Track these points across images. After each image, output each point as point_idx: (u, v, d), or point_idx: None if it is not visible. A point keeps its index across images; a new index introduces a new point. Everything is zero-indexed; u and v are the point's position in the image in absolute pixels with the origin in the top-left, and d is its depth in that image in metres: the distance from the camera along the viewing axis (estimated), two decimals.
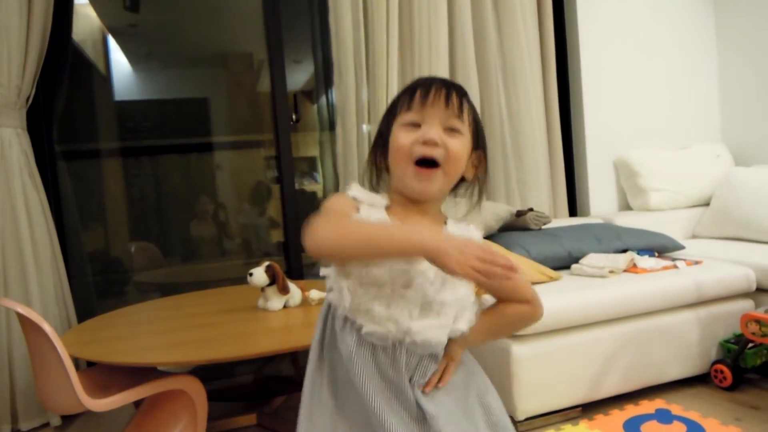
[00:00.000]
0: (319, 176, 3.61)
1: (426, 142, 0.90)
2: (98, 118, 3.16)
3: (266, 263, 1.89)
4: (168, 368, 1.72)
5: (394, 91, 2.57)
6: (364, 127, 2.65)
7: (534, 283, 2.07)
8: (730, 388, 2.10)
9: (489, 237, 2.49)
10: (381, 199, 0.95)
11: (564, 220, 2.89)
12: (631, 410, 2.00)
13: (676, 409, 1.98)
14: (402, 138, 0.92)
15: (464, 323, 0.93)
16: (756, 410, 1.96)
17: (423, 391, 0.92)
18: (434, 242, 0.76)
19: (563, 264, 2.35)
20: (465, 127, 0.94)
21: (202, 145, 3.39)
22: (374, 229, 0.83)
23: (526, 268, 2.02)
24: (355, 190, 0.96)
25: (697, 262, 2.31)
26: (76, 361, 2.08)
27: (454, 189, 1.01)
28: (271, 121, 2.86)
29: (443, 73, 2.68)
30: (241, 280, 1.97)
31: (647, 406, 2.02)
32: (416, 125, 0.92)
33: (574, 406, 2.00)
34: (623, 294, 2.05)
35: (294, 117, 3.08)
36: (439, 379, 0.94)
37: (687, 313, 2.15)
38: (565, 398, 1.98)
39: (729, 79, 3.31)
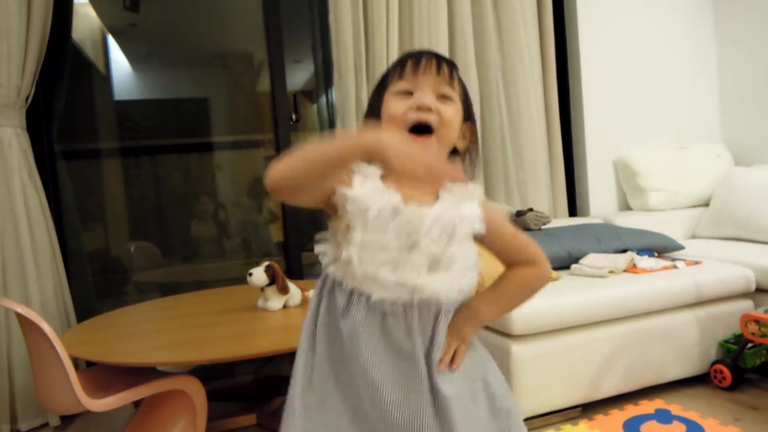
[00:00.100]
0: None
1: (420, 108, 0.91)
2: (98, 118, 3.16)
3: (266, 263, 1.89)
4: (167, 368, 1.72)
5: None
6: None
7: None
8: (730, 389, 2.10)
9: None
10: (375, 170, 0.93)
11: (564, 220, 2.89)
12: (631, 410, 2.00)
13: (675, 409, 1.98)
14: (395, 106, 0.92)
15: (469, 280, 0.93)
16: (755, 410, 1.96)
17: (438, 367, 0.91)
18: (375, 138, 0.78)
19: (563, 264, 2.35)
20: (456, 95, 0.95)
21: (202, 145, 3.39)
22: (321, 144, 0.83)
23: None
24: None
25: (696, 263, 2.31)
26: (76, 361, 2.08)
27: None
28: (271, 121, 2.86)
29: None
30: (241, 280, 1.97)
31: (647, 406, 2.02)
32: (408, 93, 0.93)
33: (573, 406, 2.00)
34: (623, 294, 2.05)
35: (294, 117, 3.08)
36: (452, 361, 0.93)
37: (687, 313, 2.15)
38: (564, 398, 1.98)
39: (729, 79, 3.31)
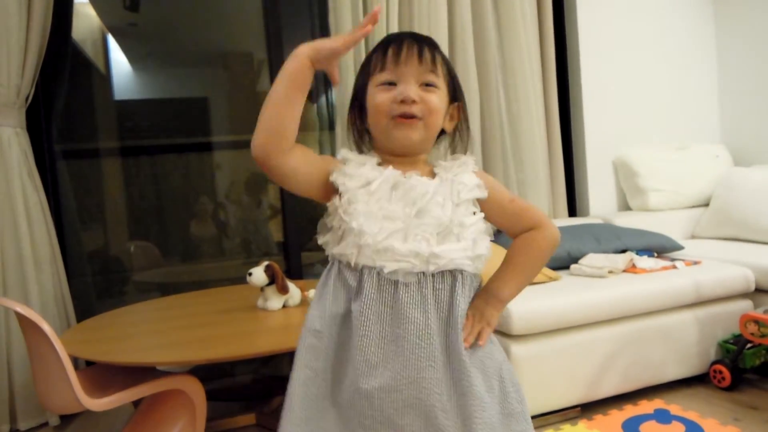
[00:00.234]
0: None
1: (404, 101, 0.91)
2: (98, 118, 3.16)
3: (265, 263, 1.89)
4: (167, 368, 1.72)
5: None
6: None
7: (533, 284, 2.07)
8: (729, 389, 2.10)
9: None
10: (371, 158, 0.95)
11: (563, 221, 2.89)
12: (630, 410, 2.00)
13: (674, 409, 1.98)
14: (379, 98, 0.92)
15: (483, 248, 0.92)
16: (755, 410, 1.96)
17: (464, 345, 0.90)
18: (300, 49, 0.87)
19: (562, 264, 2.35)
20: (440, 81, 0.95)
21: (202, 144, 3.39)
22: (273, 85, 0.87)
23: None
24: (344, 152, 0.96)
25: (696, 263, 2.31)
26: (75, 361, 2.09)
27: (436, 143, 1.02)
28: None
29: None
30: (241, 279, 1.97)
31: (646, 406, 2.02)
32: (392, 84, 0.92)
33: (572, 406, 2.01)
34: (622, 294, 2.05)
35: None
36: (478, 337, 0.92)
37: (686, 313, 2.15)
38: (563, 398, 1.98)
39: (728, 80, 3.31)
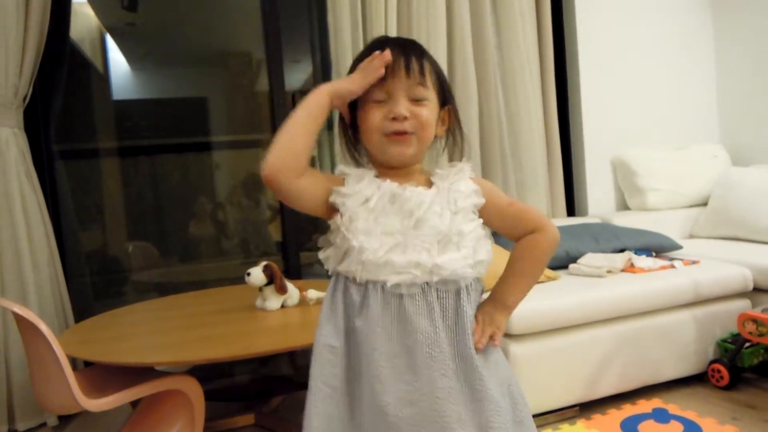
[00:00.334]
0: None
1: (395, 118, 0.91)
2: (96, 118, 3.16)
3: (264, 263, 1.89)
4: (165, 368, 1.72)
5: None
6: None
7: None
8: (727, 388, 2.11)
9: None
10: (368, 171, 0.96)
11: (562, 220, 2.89)
12: (629, 410, 2.00)
13: (673, 408, 1.99)
14: (371, 117, 0.93)
15: (484, 253, 0.93)
16: (753, 409, 1.97)
17: (476, 348, 0.91)
18: (322, 87, 0.93)
19: (561, 264, 2.35)
20: (430, 92, 0.95)
21: (201, 144, 3.38)
22: (292, 115, 0.91)
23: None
24: (342, 168, 0.97)
25: (694, 262, 2.32)
26: (74, 361, 2.08)
27: (429, 147, 1.02)
28: (270, 120, 2.85)
29: None
30: (239, 279, 1.97)
31: (644, 406, 2.02)
32: (382, 101, 0.93)
33: (571, 406, 2.01)
34: (621, 294, 2.05)
35: None
36: (491, 340, 0.93)
37: (684, 312, 2.15)
38: (562, 398, 1.98)
39: (726, 80, 3.32)
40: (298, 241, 2.85)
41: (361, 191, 0.92)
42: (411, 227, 0.89)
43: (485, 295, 1.01)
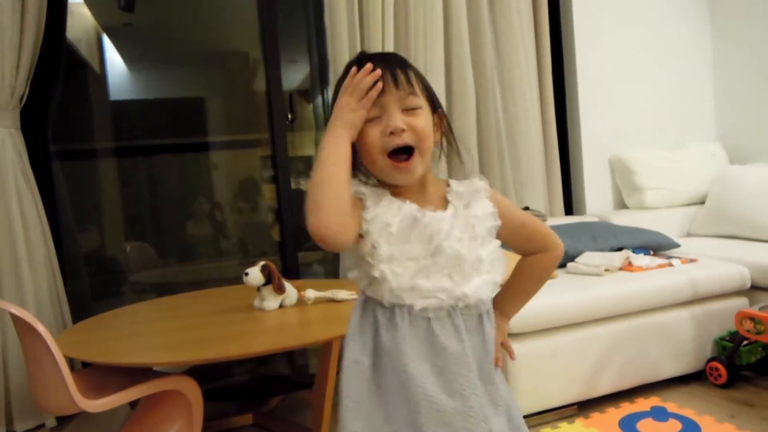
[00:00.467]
0: None
1: (393, 132, 0.90)
2: (93, 118, 3.15)
3: (262, 263, 1.89)
4: (163, 368, 1.71)
5: None
6: None
7: None
8: (725, 386, 2.11)
9: None
10: (382, 190, 0.95)
11: (560, 219, 2.90)
12: (627, 408, 2.00)
13: (671, 406, 1.99)
14: (369, 136, 0.91)
15: (500, 274, 0.96)
16: (751, 407, 1.97)
17: (496, 366, 0.95)
18: (330, 123, 0.89)
19: (559, 262, 2.35)
20: (421, 99, 0.94)
21: (198, 144, 3.38)
22: (317, 165, 0.87)
23: (513, 263, 2.06)
24: (357, 187, 0.95)
25: (692, 260, 2.32)
26: (72, 362, 2.08)
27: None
28: (267, 120, 2.85)
29: (438, 71, 2.68)
30: (237, 279, 1.97)
31: (643, 404, 2.02)
32: (376, 117, 0.91)
33: (569, 404, 2.01)
34: (619, 292, 2.05)
35: (290, 116, 3.07)
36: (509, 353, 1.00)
37: (682, 310, 2.15)
38: (560, 396, 1.98)
39: (724, 78, 3.32)
40: (296, 241, 2.85)
41: (382, 216, 0.90)
42: (431, 252, 0.90)
43: None
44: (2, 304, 1.51)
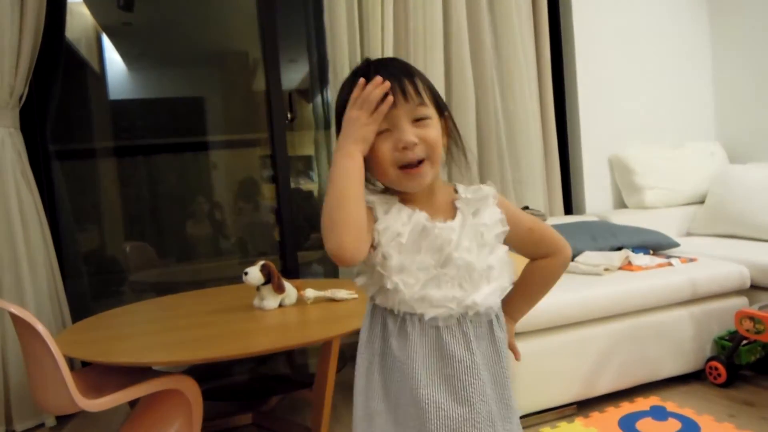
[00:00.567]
0: (314, 175, 3.61)
1: (405, 147, 0.89)
2: (92, 118, 3.15)
3: (261, 262, 1.89)
4: (163, 368, 1.71)
5: None
6: None
7: None
8: (725, 385, 2.11)
9: None
10: (392, 197, 0.94)
11: (559, 218, 2.90)
12: (627, 407, 2.00)
13: (671, 406, 1.99)
14: (380, 150, 0.89)
15: (509, 278, 0.96)
16: (750, 407, 1.97)
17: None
18: (341, 139, 0.88)
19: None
20: (430, 109, 0.92)
21: (198, 144, 3.38)
22: (329, 188, 0.86)
23: (521, 265, 2.05)
24: (367, 195, 0.93)
25: (691, 260, 2.32)
26: (71, 361, 2.08)
27: None
28: (267, 120, 2.85)
29: (438, 71, 2.67)
30: (237, 279, 1.97)
31: (642, 403, 2.02)
32: (386, 130, 0.90)
33: (569, 404, 2.01)
34: (618, 292, 2.05)
35: (289, 116, 3.08)
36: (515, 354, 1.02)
37: (682, 310, 2.15)
38: (560, 396, 1.98)
39: (723, 77, 3.32)
40: (296, 241, 2.85)
41: (392, 226, 0.90)
42: (441, 262, 0.90)
43: None
44: (2, 303, 1.51)
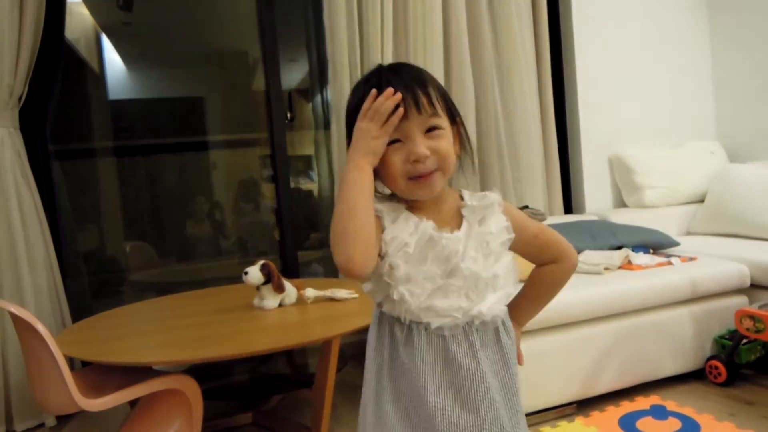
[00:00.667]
0: (314, 175, 3.61)
1: (417, 161, 0.88)
2: (92, 118, 3.15)
3: (261, 262, 1.89)
4: (163, 367, 1.71)
5: None
6: None
7: None
8: (725, 384, 2.11)
9: None
10: (399, 205, 0.94)
11: (559, 218, 2.90)
12: (627, 406, 2.00)
13: (671, 405, 1.99)
14: (391, 162, 0.89)
15: (514, 284, 0.96)
16: (750, 405, 1.97)
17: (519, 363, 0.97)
18: (351, 151, 0.87)
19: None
20: (443, 119, 0.91)
21: (197, 144, 3.38)
22: (339, 199, 0.86)
23: (521, 265, 2.04)
24: (374, 203, 0.93)
25: (691, 259, 2.32)
26: (71, 361, 2.08)
27: None
28: (266, 119, 2.85)
29: (438, 71, 2.67)
30: (237, 279, 1.97)
31: (642, 402, 2.02)
32: (398, 141, 0.89)
33: (569, 403, 2.01)
34: (618, 291, 2.05)
35: (289, 115, 3.08)
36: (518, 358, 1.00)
37: (682, 309, 2.15)
38: (560, 395, 1.98)
39: (723, 76, 3.32)
40: (296, 240, 2.85)
41: (399, 236, 0.90)
42: (447, 273, 0.90)
43: None
44: (2, 303, 1.51)
